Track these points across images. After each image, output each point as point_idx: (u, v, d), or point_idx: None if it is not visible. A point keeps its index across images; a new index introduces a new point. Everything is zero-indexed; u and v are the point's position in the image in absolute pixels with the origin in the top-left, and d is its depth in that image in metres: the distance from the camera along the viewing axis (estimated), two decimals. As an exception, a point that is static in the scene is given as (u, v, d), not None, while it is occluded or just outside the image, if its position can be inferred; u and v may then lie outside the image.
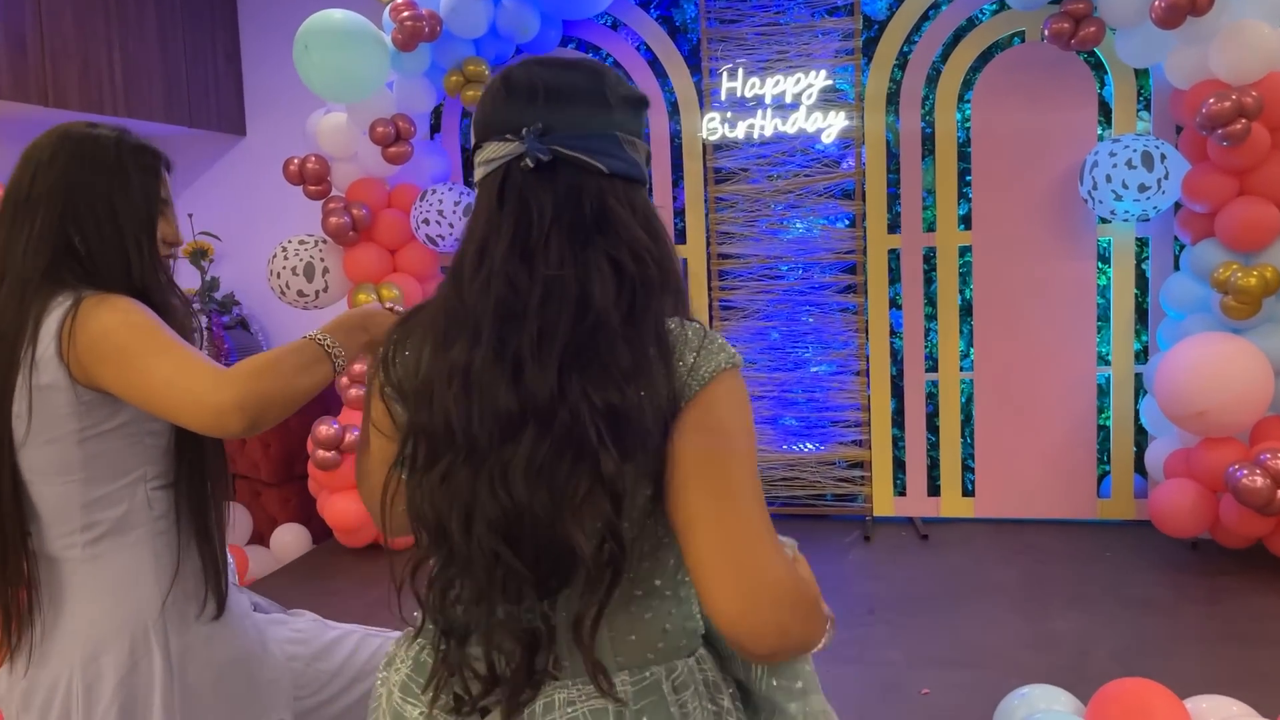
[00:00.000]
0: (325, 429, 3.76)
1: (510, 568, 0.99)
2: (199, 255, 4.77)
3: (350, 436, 3.78)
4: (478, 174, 1.09)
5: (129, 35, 4.22)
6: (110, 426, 1.40)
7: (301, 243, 4.02)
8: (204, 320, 4.66)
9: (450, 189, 3.95)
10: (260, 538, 4.40)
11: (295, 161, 3.99)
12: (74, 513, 1.41)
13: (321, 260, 3.99)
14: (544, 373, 0.98)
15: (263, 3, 4.79)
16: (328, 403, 4.43)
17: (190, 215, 4.81)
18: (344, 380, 3.96)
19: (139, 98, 4.26)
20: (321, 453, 3.76)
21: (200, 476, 1.51)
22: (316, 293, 4.00)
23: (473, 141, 1.11)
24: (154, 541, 1.46)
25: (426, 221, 3.93)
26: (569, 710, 1.04)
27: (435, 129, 4.39)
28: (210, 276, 4.78)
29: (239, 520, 4.35)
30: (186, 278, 4.82)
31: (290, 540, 4.23)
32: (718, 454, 1.00)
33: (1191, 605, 3.13)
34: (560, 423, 0.97)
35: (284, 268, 3.97)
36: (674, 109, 4.19)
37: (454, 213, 3.91)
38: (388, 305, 1.53)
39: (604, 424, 0.97)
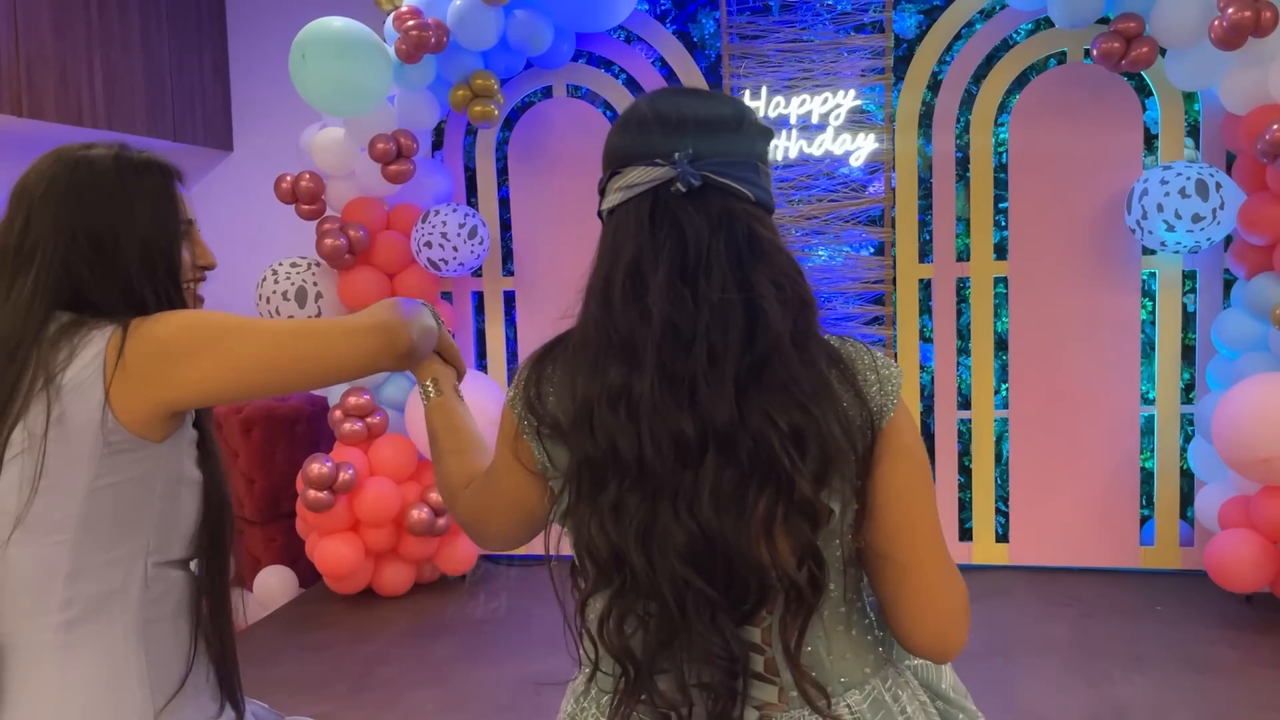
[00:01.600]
0: (317, 467, 3.48)
1: (701, 594, 0.99)
2: (181, 277, 4.49)
3: (344, 475, 3.50)
4: (613, 199, 1.08)
5: (110, 43, 3.96)
6: (124, 478, 1.16)
7: (294, 265, 3.75)
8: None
9: (454, 210, 3.70)
10: (241, 580, 4.10)
11: (288, 179, 3.72)
12: (53, 583, 1.15)
13: (315, 285, 3.72)
14: (721, 396, 0.99)
15: (253, 12, 4.54)
16: (318, 439, 4.15)
17: (172, 235, 4.54)
18: (337, 414, 3.69)
19: (120, 109, 3.99)
20: (313, 493, 3.48)
21: (221, 553, 1.27)
22: (309, 319, 3.72)
23: (603, 174, 1.11)
24: (146, 632, 1.19)
25: (429, 244, 3.67)
26: None
27: (438, 146, 4.14)
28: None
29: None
30: (167, 301, 4.54)
31: (275, 584, 3.94)
32: (920, 481, 1.06)
33: (1262, 669, 2.89)
34: (744, 446, 0.99)
35: (274, 292, 3.70)
36: (692, 129, 3.96)
37: (458, 235, 3.66)
38: (431, 309, 1.41)
39: (793, 446, 0.98)
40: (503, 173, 4.13)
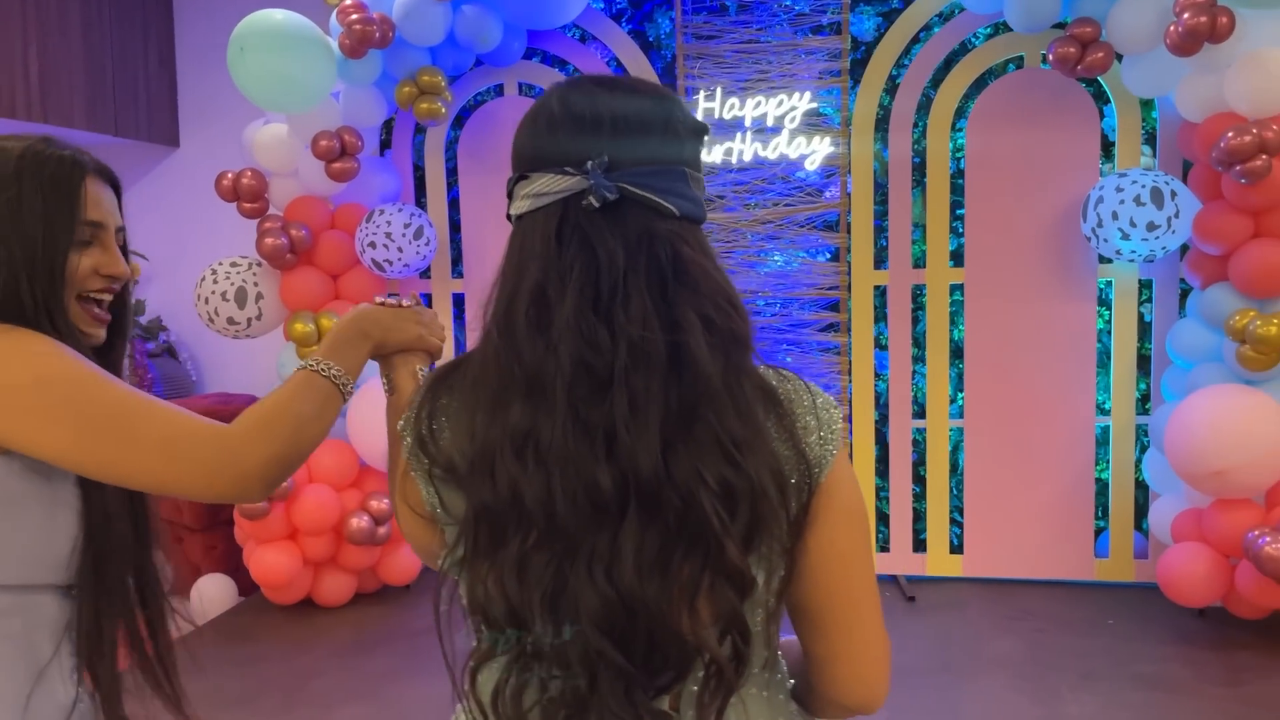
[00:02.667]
0: (253, 474, 3.36)
1: (616, 666, 0.88)
2: (123, 276, 4.37)
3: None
4: (519, 207, 0.95)
5: (49, 33, 3.84)
6: None
7: (234, 265, 3.64)
8: (126, 347, 4.25)
9: (400, 210, 3.60)
10: (181, 588, 3.98)
11: (229, 176, 3.62)
12: None
13: (255, 285, 3.61)
14: (645, 447, 0.87)
15: (202, 4, 4.42)
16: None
17: (114, 232, 4.41)
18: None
19: (56, 101, 3.87)
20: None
21: (106, 579, 1.18)
22: (249, 320, 3.62)
23: (514, 169, 0.97)
24: None
25: (373, 245, 3.57)
26: None
27: (386, 144, 4.04)
28: (135, 299, 4.37)
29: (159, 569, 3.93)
30: (108, 300, 4.41)
31: (214, 592, 3.82)
32: (861, 540, 0.97)
33: (1212, 686, 2.84)
34: (670, 505, 0.87)
35: (213, 292, 3.59)
36: (646, 130, 3.88)
37: (403, 236, 3.56)
38: (379, 300, 1.31)
39: (722, 505, 0.87)
40: (453, 172, 4.03)
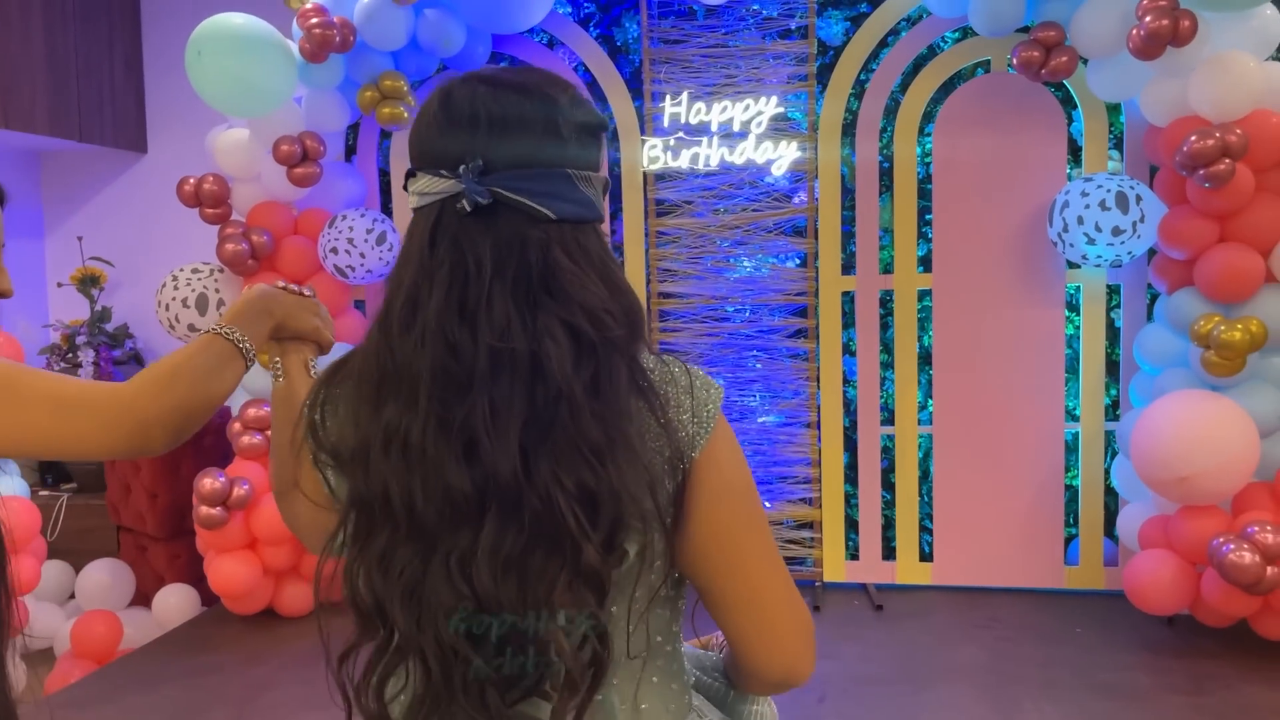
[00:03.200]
0: (210, 482, 3.33)
1: (472, 667, 0.90)
2: (89, 283, 4.33)
3: (239, 490, 3.36)
4: (412, 203, 0.98)
5: (10, 38, 3.80)
6: None
7: (195, 271, 3.60)
8: (91, 354, 4.21)
9: (362, 215, 3.57)
10: (145, 599, 3.93)
11: (191, 181, 3.58)
12: None
13: (217, 291, 3.58)
14: (504, 451, 0.89)
15: (170, 8, 4.39)
16: (226, 452, 3.99)
17: (80, 238, 4.39)
18: (236, 427, 3.54)
19: (18, 107, 3.84)
20: (205, 509, 3.33)
21: None
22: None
23: (407, 167, 0.99)
24: None
25: (335, 250, 3.54)
26: None
27: (352, 149, 4.01)
28: (101, 306, 4.34)
29: (121, 580, 3.89)
30: (74, 307, 4.38)
31: (176, 603, 3.78)
32: (744, 513, 0.98)
33: (1174, 696, 2.81)
34: (529, 507, 0.89)
35: (173, 299, 3.55)
36: (613, 135, 3.86)
37: (365, 241, 3.53)
38: (281, 284, 1.33)
39: (580, 508, 0.89)
40: (420, 178, 3.99)
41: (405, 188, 1.00)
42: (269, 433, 3.58)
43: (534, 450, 0.89)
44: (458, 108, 0.95)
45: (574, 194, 0.95)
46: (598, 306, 0.93)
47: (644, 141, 3.77)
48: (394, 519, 0.92)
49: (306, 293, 1.33)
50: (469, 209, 0.92)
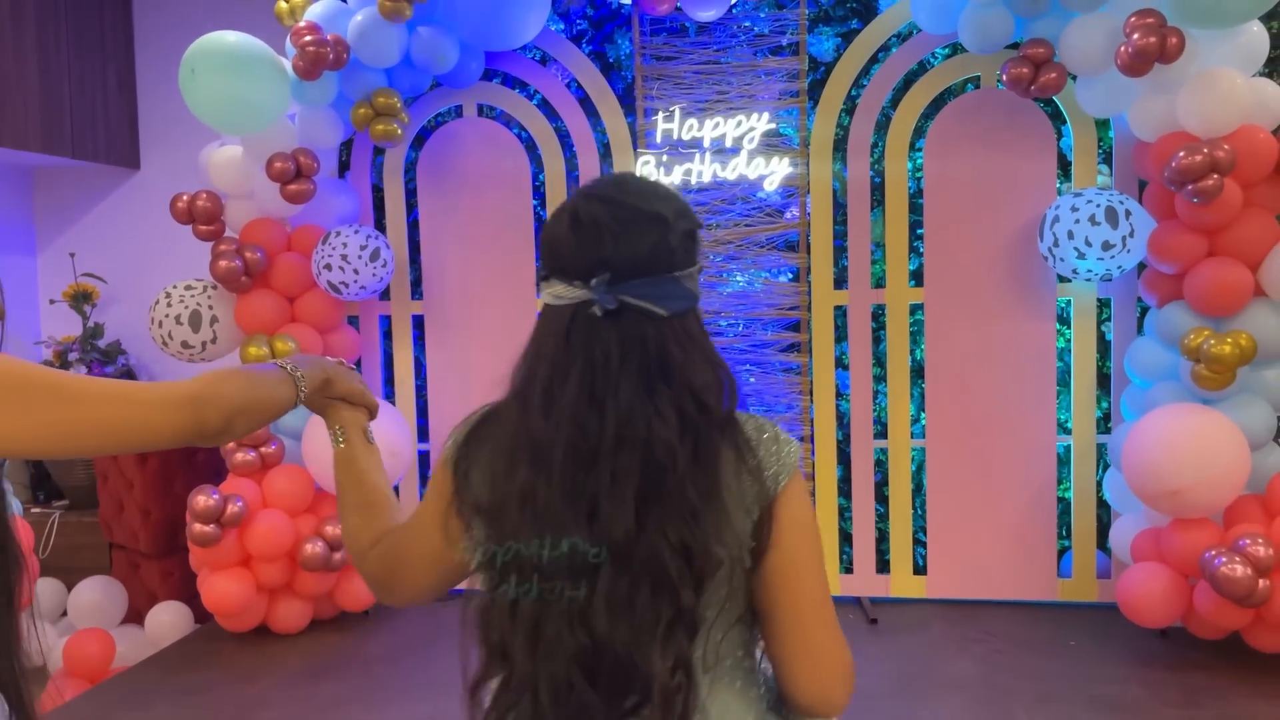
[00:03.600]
0: (204, 499, 3.32)
1: (580, 698, 1.08)
2: (81, 299, 4.33)
3: (233, 507, 3.35)
4: (544, 300, 1.18)
5: (3, 54, 3.81)
6: None
7: (188, 288, 3.60)
8: (84, 371, 4.20)
9: (356, 231, 3.57)
10: (137, 616, 3.92)
11: (184, 198, 3.59)
12: None
13: (210, 308, 3.58)
14: (621, 512, 1.08)
15: (163, 27, 4.40)
16: (219, 468, 3.99)
17: (72, 255, 4.38)
18: (230, 444, 3.54)
19: (11, 124, 3.84)
20: (199, 526, 3.32)
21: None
22: (203, 344, 3.58)
23: (541, 270, 1.20)
24: None
25: (329, 267, 3.54)
26: None
27: (346, 165, 4.02)
28: (93, 323, 4.34)
29: (113, 597, 3.88)
30: (67, 324, 4.38)
31: (169, 620, 3.77)
32: (808, 547, 1.17)
33: (1168, 709, 2.81)
34: (639, 559, 1.08)
35: (166, 315, 3.55)
36: (606, 150, 3.87)
37: (359, 258, 3.53)
38: (338, 361, 1.46)
39: (680, 560, 1.08)
40: (413, 193, 4.01)
41: (538, 290, 1.22)
42: (270, 460, 3.58)
43: (644, 512, 1.08)
44: (585, 229, 1.14)
45: (680, 291, 1.16)
46: (701, 389, 1.14)
47: (637, 157, 3.78)
48: (522, 572, 1.11)
49: (347, 364, 1.46)
50: (599, 314, 1.13)
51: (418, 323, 4.03)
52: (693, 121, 3.75)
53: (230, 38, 3.33)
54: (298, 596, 3.57)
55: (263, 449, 3.55)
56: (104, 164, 4.31)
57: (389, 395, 4.03)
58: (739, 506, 1.13)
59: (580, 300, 1.14)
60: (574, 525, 1.09)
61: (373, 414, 1.46)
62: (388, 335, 4.04)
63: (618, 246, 1.13)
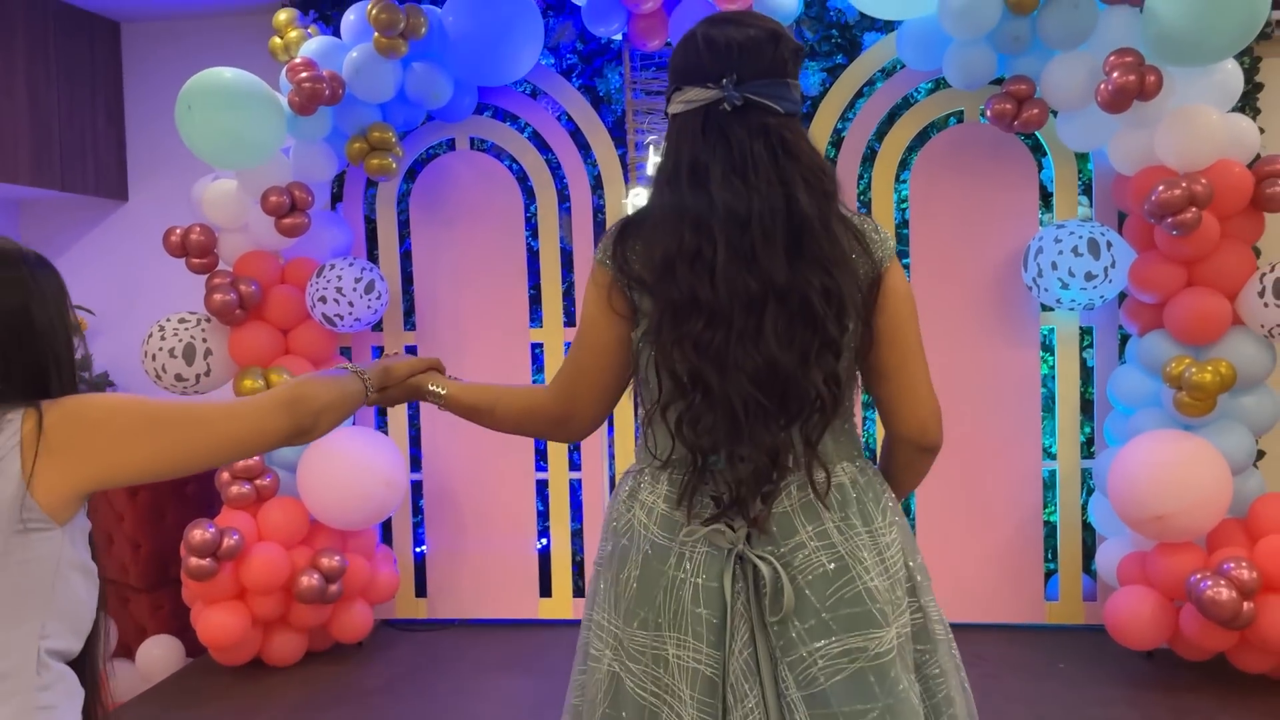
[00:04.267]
0: (200, 533, 3.32)
1: (761, 405, 1.39)
2: (69, 331, 4.31)
3: (230, 540, 3.35)
4: (674, 108, 1.47)
5: (-7, 89, 3.81)
6: (30, 556, 1.18)
7: (182, 321, 3.61)
8: (72, 403, 4.18)
9: (351, 264, 3.60)
10: (127, 651, 3.90)
11: (177, 232, 3.60)
12: None
13: (204, 341, 3.59)
14: (776, 263, 1.38)
15: (153, 62, 4.42)
16: (210, 500, 3.98)
17: (60, 287, 4.36)
18: (224, 476, 3.54)
19: (1, 158, 3.83)
20: (195, 560, 3.32)
21: (96, 646, 1.30)
22: (197, 377, 3.59)
23: (670, 85, 1.49)
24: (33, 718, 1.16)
25: (324, 299, 3.56)
26: (801, 491, 1.45)
27: (338, 197, 4.05)
28: (81, 354, 4.30)
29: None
30: (54, 356, 4.35)
31: (160, 654, 3.75)
32: (907, 310, 1.51)
33: (1158, 730, 2.88)
34: (796, 299, 1.38)
35: (160, 349, 3.55)
36: (597, 182, 3.93)
37: (354, 290, 3.56)
38: (392, 353, 1.65)
39: (824, 300, 1.39)
40: (405, 225, 4.04)
41: (667, 98, 1.49)
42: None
43: (793, 262, 1.39)
44: (716, 41, 1.42)
45: (791, 96, 1.45)
46: (818, 166, 1.44)
47: (628, 189, 3.84)
48: (702, 313, 1.39)
49: (394, 353, 1.63)
50: (729, 109, 1.41)
51: (410, 354, 4.04)
52: (683, 154, 3.80)
53: (227, 74, 3.35)
54: (293, 629, 3.56)
55: (258, 481, 3.55)
56: (92, 196, 4.31)
57: (381, 426, 4.05)
58: (856, 277, 1.44)
59: (711, 101, 1.41)
60: (742, 273, 1.38)
61: (439, 369, 1.67)
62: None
63: (740, 52, 1.41)
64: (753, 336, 1.38)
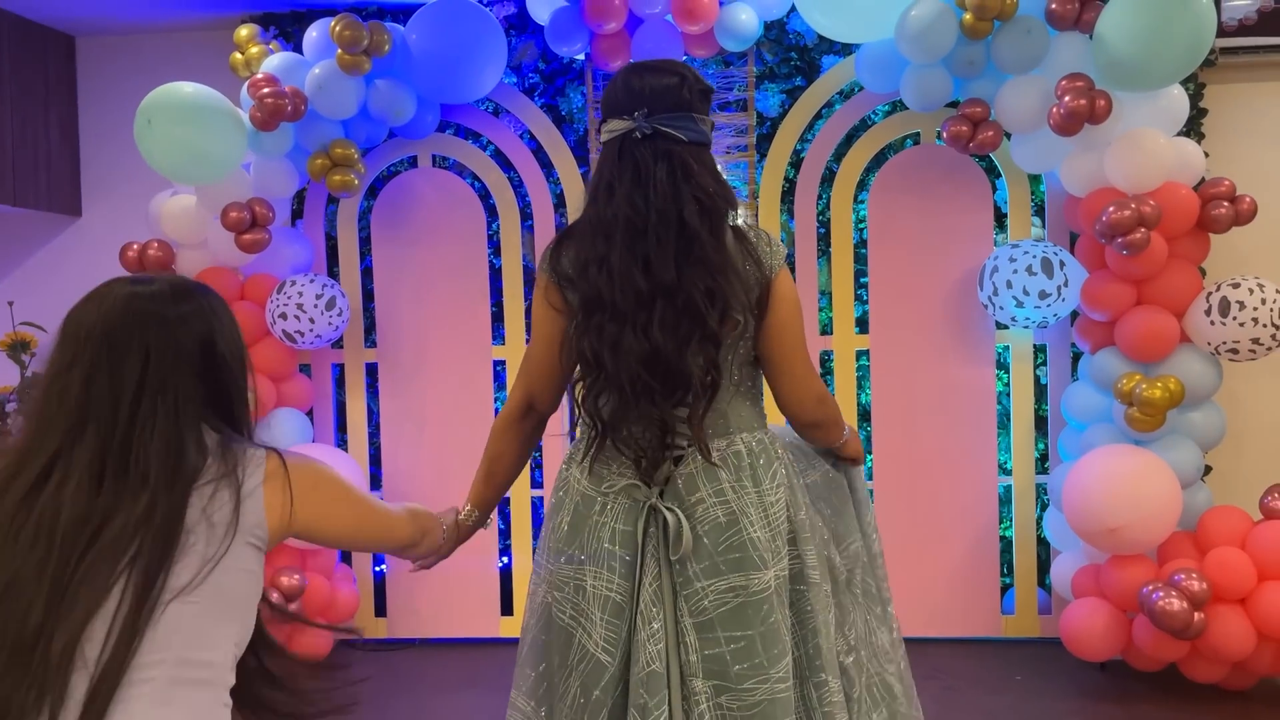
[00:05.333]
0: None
1: (647, 385, 1.68)
2: (19, 348, 4.23)
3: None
4: (603, 137, 1.78)
5: (-56, 102, 3.75)
6: (251, 569, 1.34)
7: (138, 338, 3.55)
8: (21, 422, 4.10)
9: (312, 280, 3.58)
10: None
11: (135, 247, 3.56)
12: (177, 637, 1.24)
13: (161, 358, 3.53)
14: (666, 266, 1.66)
15: (108, 76, 4.37)
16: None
17: (10, 303, 4.28)
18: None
19: (-47, 171, 3.77)
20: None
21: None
22: (154, 394, 3.53)
23: (600, 117, 1.82)
24: (219, 716, 1.29)
25: (284, 316, 3.53)
26: (690, 465, 1.76)
27: (298, 214, 4.02)
28: (32, 372, 4.23)
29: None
30: (4, 373, 4.27)
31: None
32: (791, 313, 1.78)
33: (1114, 739, 2.93)
34: (682, 297, 1.66)
35: (116, 366, 3.49)
36: (559, 200, 3.94)
37: (315, 307, 3.53)
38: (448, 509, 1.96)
39: (707, 299, 1.66)
40: (366, 242, 4.02)
41: (599, 132, 1.90)
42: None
43: (682, 266, 1.66)
44: (631, 83, 1.74)
45: (695, 127, 1.73)
46: (712, 190, 1.72)
47: (590, 208, 3.85)
48: (603, 307, 1.69)
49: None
50: (639, 136, 1.71)
51: (371, 371, 4.03)
52: (645, 173, 3.84)
53: (187, 89, 3.33)
54: (251, 650, 3.50)
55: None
56: (45, 211, 4.24)
57: (341, 443, 4.01)
58: (745, 282, 1.71)
59: (626, 130, 1.71)
60: (636, 275, 1.66)
61: (456, 510, 1.96)
62: (340, 383, 4.03)
63: (652, 92, 1.71)
64: (643, 327, 1.66)
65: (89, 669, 1.20)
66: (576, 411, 1.79)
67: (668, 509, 1.72)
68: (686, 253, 1.65)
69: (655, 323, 1.65)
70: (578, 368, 1.78)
